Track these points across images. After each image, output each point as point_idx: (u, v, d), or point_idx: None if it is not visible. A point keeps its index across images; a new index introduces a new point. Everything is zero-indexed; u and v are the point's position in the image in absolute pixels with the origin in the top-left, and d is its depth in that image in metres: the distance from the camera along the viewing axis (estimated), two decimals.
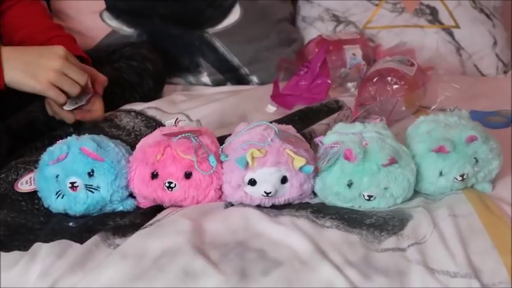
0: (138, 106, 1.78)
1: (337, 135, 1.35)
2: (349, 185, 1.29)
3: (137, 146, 1.35)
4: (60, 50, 1.53)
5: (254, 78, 2.18)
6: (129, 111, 1.74)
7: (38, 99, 1.74)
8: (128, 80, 1.87)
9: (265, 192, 1.28)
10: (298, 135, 1.38)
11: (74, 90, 1.54)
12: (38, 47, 1.58)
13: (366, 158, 1.28)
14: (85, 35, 2.14)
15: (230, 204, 1.31)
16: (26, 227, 1.29)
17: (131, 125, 1.69)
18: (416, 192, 1.34)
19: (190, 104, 1.89)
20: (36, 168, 1.35)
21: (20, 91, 1.70)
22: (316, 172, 1.32)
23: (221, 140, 1.38)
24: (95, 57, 1.90)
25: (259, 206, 1.30)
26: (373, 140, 1.30)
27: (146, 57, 1.94)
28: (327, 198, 1.32)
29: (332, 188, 1.30)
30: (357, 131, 1.33)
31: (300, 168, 1.28)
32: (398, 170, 1.29)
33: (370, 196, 1.29)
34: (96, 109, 1.67)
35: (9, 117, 1.64)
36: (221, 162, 1.32)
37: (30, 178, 1.36)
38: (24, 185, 1.36)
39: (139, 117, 1.72)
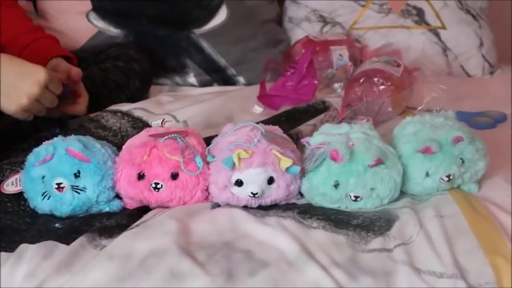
0: (124, 107, 1.77)
1: (323, 136, 1.35)
2: (336, 185, 1.29)
3: (123, 147, 1.35)
4: (41, 75, 1.50)
5: (241, 79, 2.18)
6: (115, 112, 1.73)
7: None
8: (114, 80, 1.86)
9: (251, 193, 1.28)
10: (285, 136, 1.38)
11: (54, 102, 1.53)
12: (22, 66, 1.52)
13: (353, 158, 1.28)
14: (71, 35, 2.14)
15: (217, 205, 1.31)
16: (12, 228, 1.28)
17: (118, 125, 1.68)
18: (402, 193, 1.35)
19: (177, 104, 1.89)
20: (22, 169, 1.34)
21: None
22: (303, 173, 1.32)
23: (208, 140, 1.37)
24: (81, 57, 1.90)
25: (246, 207, 1.30)
26: (359, 140, 1.31)
27: (133, 58, 1.94)
28: (313, 199, 1.32)
29: (319, 189, 1.30)
30: (343, 132, 1.33)
31: (287, 169, 1.28)
32: (385, 170, 1.29)
33: (356, 197, 1.29)
34: (80, 102, 1.67)
35: None
36: (208, 163, 1.32)
37: (16, 179, 1.36)
38: (10, 186, 1.35)
39: (126, 118, 1.72)
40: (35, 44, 1.75)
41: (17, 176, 1.36)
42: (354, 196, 1.29)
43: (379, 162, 1.28)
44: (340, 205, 1.31)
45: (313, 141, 1.35)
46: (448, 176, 1.31)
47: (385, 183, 1.29)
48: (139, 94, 1.93)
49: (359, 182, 1.28)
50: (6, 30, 1.78)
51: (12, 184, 1.36)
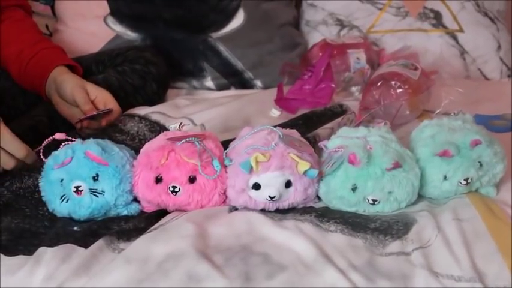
0: (142, 111, 1.78)
1: (341, 139, 1.35)
2: (353, 189, 1.29)
3: (141, 151, 1.35)
4: None
5: (258, 83, 2.18)
6: (133, 116, 1.74)
7: (42, 102, 1.75)
8: (131, 83, 1.87)
9: (269, 196, 1.28)
10: (302, 139, 1.38)
11: (9, 164, 1.39)
12: None
13: (370, 162, 1.28)
14: (89, 39, 2.15)
15: (234, 209, 1.31)
16: (30, 232, 1.29)
17: (135, 129, 1.68)
18: (420, 196, 1.34)
19: (194, 108, 1.89)
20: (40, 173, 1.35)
21: (25, 94, 1.71)
22: (321, 176, 1.32)
23: (225, 144, 1.38)
24: (98, 60, 1.91)
25: (263, 210, 1.30)
26: (377, 144, 1.31)
27: (150, 61, 1.94)
28: (331, 203, 1.32)
29: (336, 192, 1.30)
30: (361, 135, 1.33)
31: (304, 173, 1.28)
32: (403, 174, 1.29)
33: (374, 200, 1.29)
34: (114, 110, 1.69)
35: (12, 121, 1.64)
36: (225, 167, 1.32)
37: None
38: None
39: (144, 122, 1.72)
40: (39, 55, 1.75)
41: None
42: (372, 199, 1.29)
43: (397, 165, 1.28)
44: (358, 209, 1.31)
45: (331, 144, 1.35)
46: (466, 180, 1.31)
47: (403, 187, 1.29)
48: (157, 97, 1.93)
49: (377, 185, 1.28)
50: (12, 43, 1.78)
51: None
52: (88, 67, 1.89)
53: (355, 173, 1.28)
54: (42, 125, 1.66)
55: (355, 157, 1.27)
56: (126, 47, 2.04)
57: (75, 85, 1.64)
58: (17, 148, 1.37)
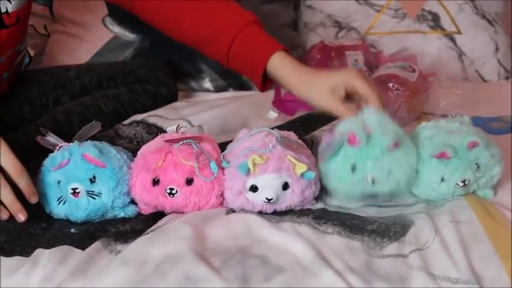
0: (138, 117, 1.79)
1: (341, 124, 1.34)
2: (353, 169, 1.29)
3: (138, 153, 1.35)
4: None
5: None
6: (130, 124, 1.75)
7: (47, 111, 1.75)
8: (142, 103, 1.88)
9: (266, 198, 1.28)
10: (300, 141, 1.38)
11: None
12: None
13: (370, 142, 1.28)
14: (87, 40, 2.15)
15: (231, 211, 1.31)
16: (27, 233, 1.29)
17: (133, 132, 1.69)
18: (417, 198, 1.34)
19: (192, 109, 1.89)
20: (37, 175, 1.35)
21: (31, 103, 1.70)
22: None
23: (223, 146, 1.38)
24: (109, 76, 1.90)
25: (260, 213, 1.30)
26: (375, 124, 1.30)
27: (162, 82, 1.94)
28: (330, 184, 1.32)
29: (335, 173, 1.30)
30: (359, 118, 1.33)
31: (302, 175, 1.28)
32: (402, 153, 1.29)
33: (373, 180, 1.29)
34: None
35: (17, 130, 1.64)
36: (222, 169, 1.32)
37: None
38: None
39: (141, 125, 1.73)
40: (241, 36, 1.55)
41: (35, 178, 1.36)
42: (371, 178, 1.29)
43: (396, 145, 1.28)
44: (357, 189, 1.30)
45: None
46: (464, 181, 1.31)
47: (402, 166, 1.29)
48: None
49: (376, 164, 1.28)
50: (211, 23, 1.57)
51: None
52: (99, 81, 1.89)
53: (354, 153, 1.28)
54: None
55: (355, 137, 1.27)
56: (139, 62, 2.02)
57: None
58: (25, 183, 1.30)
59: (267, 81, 1.54)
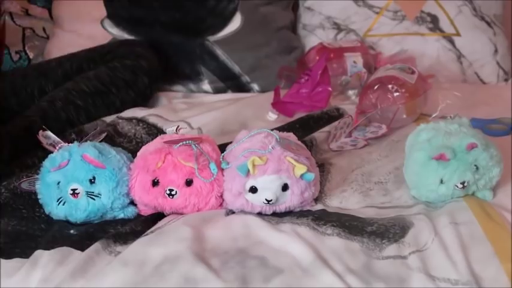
0: (139, 113, 1.78)
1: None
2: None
3: (138, 154, 1.36)
4: None
5: (255, 86, 2.17)
6: (130, 119, 1.74)
7: (33, 101, 1.75)
8: (122, 78, 1.87)
9: (266, 199, 1.28)
10: (299, 142, 1.38)
11: None
12: None
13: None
14: (86, 42, 2.14)
15: (231, 212, 1.31)
16: (26, 234, 1.29)
17: (132, 132, 1.69)
18: (417, 200, 1.35)
19: (191, 111, 1.89)
20: (37, 174, 1.35)
21: (17, 95, 1.70)
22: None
23: (222, 147, 1.38)
24: (89, 58, 1.91)
25: (260, 214, 1.30)
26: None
27: (140, 55, 1.95)
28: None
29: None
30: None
31: (301, 176, 1.28)
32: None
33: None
34: None
35: (6, 122, 1.64)
36: (222, 170, 1.32)
37: (32, 180, 1.36)
38: (25, 183, 1.36)
39: (141, 125, 1.73)
40: None
41: (35, 176, 1.36)
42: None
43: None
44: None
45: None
46: (463, 183, 1.31)
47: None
48: (148, 91, 1.95)
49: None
50: None
51: (29, 184, 1.36)
52: (79, 65, 1.90)
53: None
54: (37, 126, 1.65)
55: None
56: (117, 42, 2.04)
57: None
58: None
59: None
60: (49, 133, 1.38)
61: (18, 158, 1.54)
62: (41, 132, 1.38)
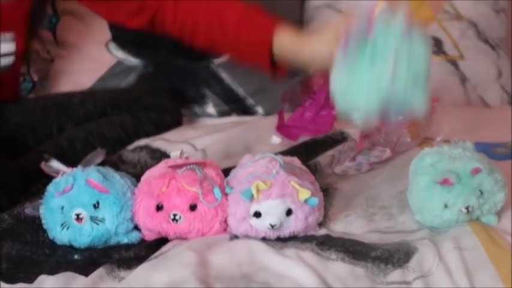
0: (142, 142, 1.80)
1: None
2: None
3: (142, 178, 1.36)
4: None
5: (259, 109, 2.18)
6: (134, 149, 1.76)
7: (51, 138, 1.75)
8: (146, 131, 1.89)
9: (270, 224, 1.28)
10: (303, 167, 1.38)
11: None
12: None
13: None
14: (91, 65, 2.15)
15: (235, 237, 1.31)
16: (30, 259, 1.29)
17: (136, 158, 1.69)
18: (421, 225, 1.34)
19: (196, 133, 1.90)
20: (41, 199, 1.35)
21: (35, 131, 1.70)
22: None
23: (226, 172, 1.38)
24: (114, 103, 1.91)
25: (264, 239, 1.30)
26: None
27: (166, 110, 1.97)
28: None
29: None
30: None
31: (305, 201, 1.28)
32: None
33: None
34: None
35: (20, 156, 1.64)
36: (226, 195, 1.32)
37: (37, 204, 1.36)
38: (29, 208, 1.36)
39: (144, 150, 1.74)
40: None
41: (39, 201, 1.36)
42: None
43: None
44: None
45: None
46: (467, 208, 1.31)
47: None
48: None
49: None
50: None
51: (33, 209, 1.36)
52: (103, 109, 1.90)
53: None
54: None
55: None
56: (144, 90, 2.04)
57: None
58: None
59: (277, 67, 1.64)
60: (53, 163, 1.38)
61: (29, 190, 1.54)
62: (43, 163, 1.38)
